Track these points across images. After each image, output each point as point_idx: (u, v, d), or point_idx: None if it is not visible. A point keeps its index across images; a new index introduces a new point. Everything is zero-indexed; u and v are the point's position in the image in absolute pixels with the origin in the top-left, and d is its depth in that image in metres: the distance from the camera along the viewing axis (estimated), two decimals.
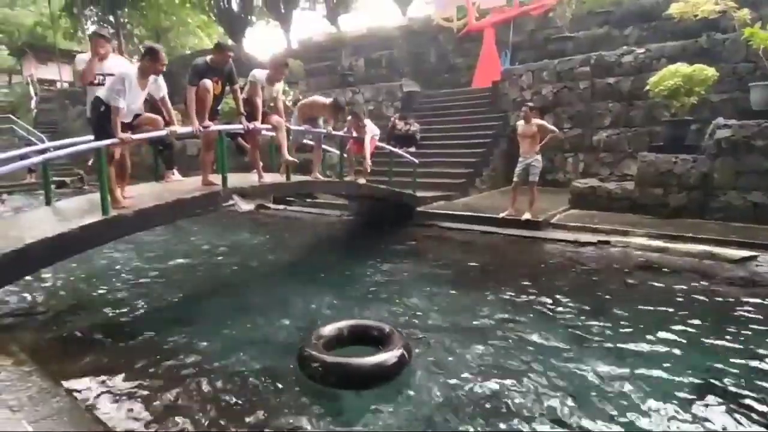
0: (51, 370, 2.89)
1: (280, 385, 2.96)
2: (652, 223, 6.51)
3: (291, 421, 2.60)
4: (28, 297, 4.61)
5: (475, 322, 3.94)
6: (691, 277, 4.90)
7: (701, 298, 4.34)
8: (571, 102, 9.77)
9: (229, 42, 22.53)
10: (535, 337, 3.63)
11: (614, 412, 2.64)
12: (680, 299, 4.32)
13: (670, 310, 4.07)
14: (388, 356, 2.94)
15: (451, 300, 4.51)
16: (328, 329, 3.36)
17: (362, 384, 2.87)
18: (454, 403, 2.77)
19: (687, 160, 6.78)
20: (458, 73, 14.33)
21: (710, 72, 7.03)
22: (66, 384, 2.80)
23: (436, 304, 4.37)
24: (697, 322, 3.81)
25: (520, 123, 7.08)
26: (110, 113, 4.02)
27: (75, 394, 2.69)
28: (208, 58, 4.99)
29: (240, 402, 2.81)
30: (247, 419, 2.65)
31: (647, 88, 7.61)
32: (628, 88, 9.04)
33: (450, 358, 3.31)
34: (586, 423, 2.56)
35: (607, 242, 6.10)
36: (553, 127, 7.22)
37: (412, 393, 2.86)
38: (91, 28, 25.32)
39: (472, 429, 2.54)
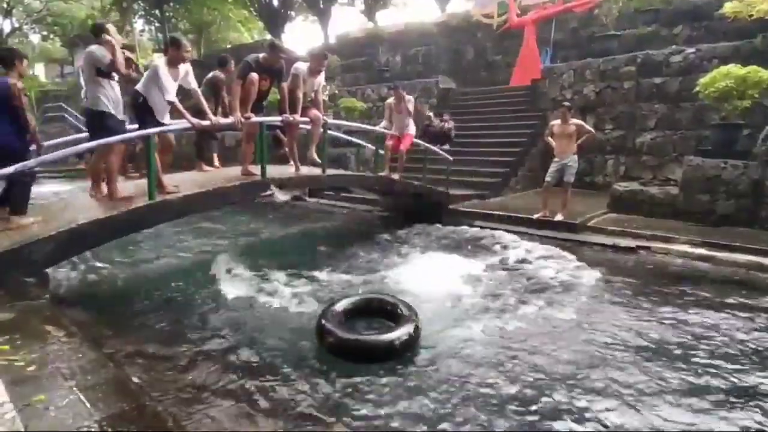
0: (100, 343, 3.05)
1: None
2: (697, 231, 6.25)
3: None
4: (81, 274, 4.87)
5: (500, 321, 3.91)
6: (738, 288, 4.69)
7: (751, 313, 4.12)
8: (614, 102, 9.48)
9: (268, 37, 23.00)
10: (556, 334, 3.59)
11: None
12: (729, 311, 4.12)
13: (716, 322, 3.92)
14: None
15: (482, 299, 4.47)
16: (345, 302, 3.64)
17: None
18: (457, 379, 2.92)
19: (737, 165, 6.47)
20: (496, 70, 14.14)
21: (766, 75, 6.67)
22: (113, 356, 2.95)
23: (460, 301, 4.34)
24: (744, 338, 3.64)
25: (556, 122, 6.92)
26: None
27: (122, 366, 2.83)
28: (261, 56, 5.14)
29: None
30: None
31: (697, 89, 7.29)
32: (675, 89, 8.70)
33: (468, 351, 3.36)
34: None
35: (647, 248, 5.92)
36: (590, 128, 7.05)
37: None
38: (138, 21, 26.38)
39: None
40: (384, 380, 2.93)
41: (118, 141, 4.27)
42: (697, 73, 7.99)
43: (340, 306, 3.57)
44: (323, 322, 3.29)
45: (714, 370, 3.09)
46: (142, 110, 4.42)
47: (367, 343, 3.23)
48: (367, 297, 3.87)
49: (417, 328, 3.32)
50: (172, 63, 4.48)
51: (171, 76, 4.44)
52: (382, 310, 3.67)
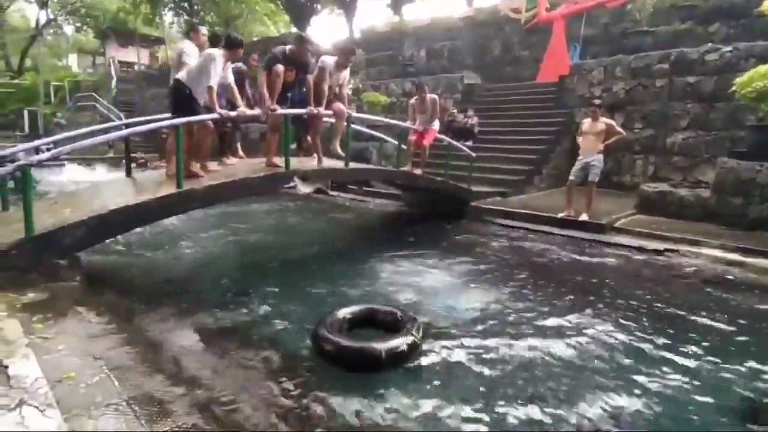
0: (128, 324, 3.14)
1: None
2: (728, 235, 6.05)
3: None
4: (111, 257, 5.01)
5: (515, 321, 3.84)
6: None
7: None
8: (645, 101, 9.22)
9: (293, 30, 23.15)
10: (578, 338, 3.52)
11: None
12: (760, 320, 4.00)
13: (744, 331, 3.80)
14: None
15: (500, 299, 4.41)
16: (344, 312, 3.48)
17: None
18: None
19: None
20: (523, 66, 13.89)
21: None
22: (141, 338, 3.03)
23: (478, 302, 4.26)
24: None
25: (587, 120, 6.82)
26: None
27: (147, 346, 2.90)
28: (287, 48, 5.19)
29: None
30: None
31: (732, 89, 7.04)
32: (710, 88, 8.41)
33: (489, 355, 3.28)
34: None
35: (675, 251, 5.76)
36: (620, 129, 6.87)
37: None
38: (168, 13, 26.88)
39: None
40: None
41: (152, 129, 4.52)
42: (733, 73, 7.71)
43: (338, 315, 3.42)
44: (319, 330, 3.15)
45: None
46: (189, 101, 4.59)
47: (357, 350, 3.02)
48: (368, 307, 3.67)
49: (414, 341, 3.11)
50: (225, 59, 4.71)
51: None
52: (383, 322, 3.48)
